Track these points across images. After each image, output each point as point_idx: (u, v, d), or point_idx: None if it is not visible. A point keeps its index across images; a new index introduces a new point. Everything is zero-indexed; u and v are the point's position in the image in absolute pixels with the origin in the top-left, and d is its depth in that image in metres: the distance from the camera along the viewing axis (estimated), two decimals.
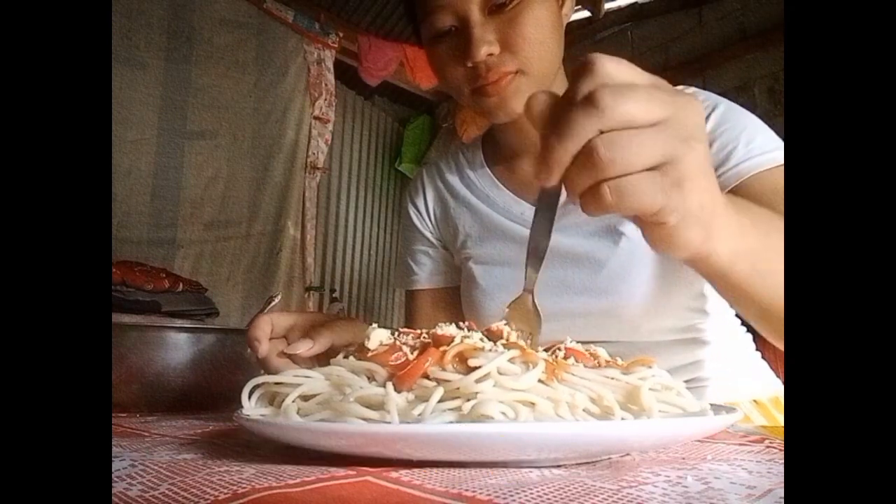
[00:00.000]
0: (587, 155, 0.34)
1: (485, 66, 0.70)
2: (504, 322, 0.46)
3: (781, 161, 0.66)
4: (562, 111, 0.35)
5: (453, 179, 0.92)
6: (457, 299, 0.90)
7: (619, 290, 0.73)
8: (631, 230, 0.72)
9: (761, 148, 0.68)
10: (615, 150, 0.34)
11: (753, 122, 0.71)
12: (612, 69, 0.35)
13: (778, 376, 0.83)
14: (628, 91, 0.34)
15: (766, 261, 0.46)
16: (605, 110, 0.33)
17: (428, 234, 0.94)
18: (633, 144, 0.34)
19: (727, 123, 0.71)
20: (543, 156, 0.36)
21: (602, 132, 0.34)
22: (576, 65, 0.36)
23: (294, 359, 0.58)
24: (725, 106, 0.73)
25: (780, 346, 0.59)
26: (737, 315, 0.84)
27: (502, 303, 0.80)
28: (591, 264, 0.74)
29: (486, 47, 0.68)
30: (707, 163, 0.37)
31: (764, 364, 0.84)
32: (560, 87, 0.79)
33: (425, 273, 0.94)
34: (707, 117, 0.72)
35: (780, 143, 0.68)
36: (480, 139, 0.94)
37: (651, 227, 0.38)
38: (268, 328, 0.59)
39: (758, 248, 0.45)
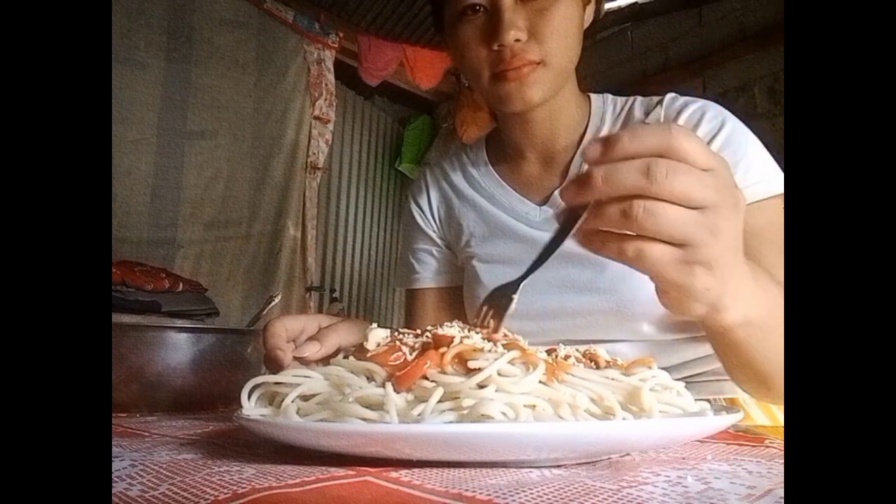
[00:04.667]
0: (626, 209, 0.37)
1: (510, 51, 0.70)
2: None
3: (779, 191, 0.67)
4: (618, 151, 0.37)
5: (457, 178, 0.92)
6: (458, 299, 0.90)
7: (622, 288, 0.73)
8: None
9: (758, 177, 0.69)
10: (650, 218, 0.37)
11: (754, 149, 0.72)
12: (683, 146, 0.37)
13: None
14: (683, 173, 0.36)
15: (769, 330, 0.50)
16: (654, 183, 0.36)
17: (431, 234, 0.94)
18: (667, 220, 0.37)
19: (729, 148, 0.72)
20: (584, 179, 0.37)
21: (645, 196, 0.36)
22: (651, 116, 0.38)
23: (301, 362, 0.58)
24: (731, 127, 0.74)
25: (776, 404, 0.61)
26: None
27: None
28: (593, 263, 0.74)
29: (514, 31, 0.69)
30: (728, 248, 0.39)
31: None
32: (572, 87, 0.80)
33: (428, 272, 0.94)
34: (714, 136, 0.74)
35: (779, 173, 0.69)
36: (483, 139, 0.94)
37: (660, 288, 0.43)
38: (285, 335, 0.60)
39: (762, 320, 0.48)
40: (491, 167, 0.89)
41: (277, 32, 2.91)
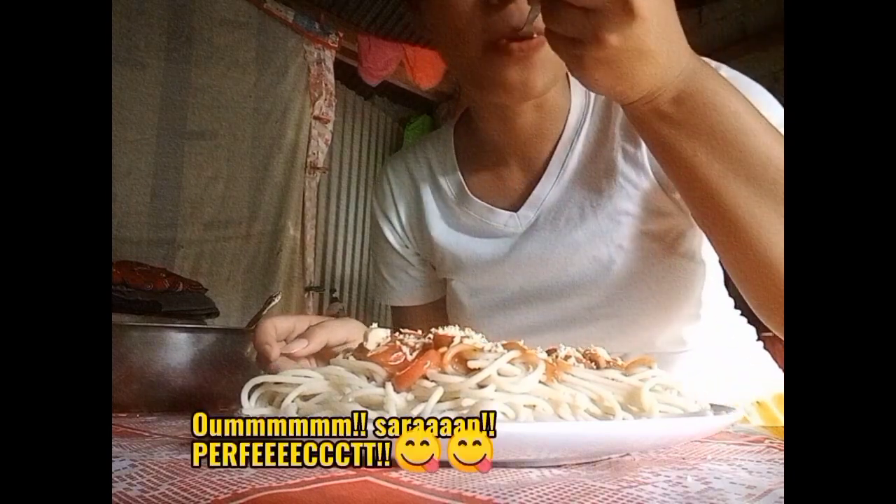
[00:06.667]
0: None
1: (517, 10, 0.54)
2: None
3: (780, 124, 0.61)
4: None
5: (423, 186, 0.80)
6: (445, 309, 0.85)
7: (618, 303, 0.71)
8: (629, 243, 0.69)
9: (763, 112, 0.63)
10: (548, 15, 0.43)
11: (755, 88, 0.66)
12: None
13: (781, 368, 0.82)
14: None
15: (701, 130, 0.48)
16: None
17: (403, 251, 0.84)
18: (558, 19, 0.43)
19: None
20: None
21: None
22: None
23: (291, 358, 0.58)
24: (726, 72, 0.65)
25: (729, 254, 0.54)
26: (736, 306, 0.83)
27: (494, 327, 0.75)
28: (590, 277, 0.71)
29: None
30: (624, 49, 0.42)
31: (767, 360, 0.83)
32: (562, 84, 0.70)
33: (405, 289, 0.85)
34: None
35: (779, 106, 0.62)
36: (451, 133, 0.80)
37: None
38: (274, 332, 0.59)
39: (684, 114, 0.47)
40: (459, 174, 0.76)
41: (277, 32, 2.92)
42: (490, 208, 0.74)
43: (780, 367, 0.82)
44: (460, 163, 0.77)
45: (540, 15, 0.45)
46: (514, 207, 0.73)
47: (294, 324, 0.61)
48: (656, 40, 0.43)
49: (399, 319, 0.88)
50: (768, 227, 0.48)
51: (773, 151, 0.48)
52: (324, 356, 0.60)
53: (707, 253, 0.74)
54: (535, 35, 0.56)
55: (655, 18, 0.42)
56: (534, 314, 0.75)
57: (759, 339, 0.84)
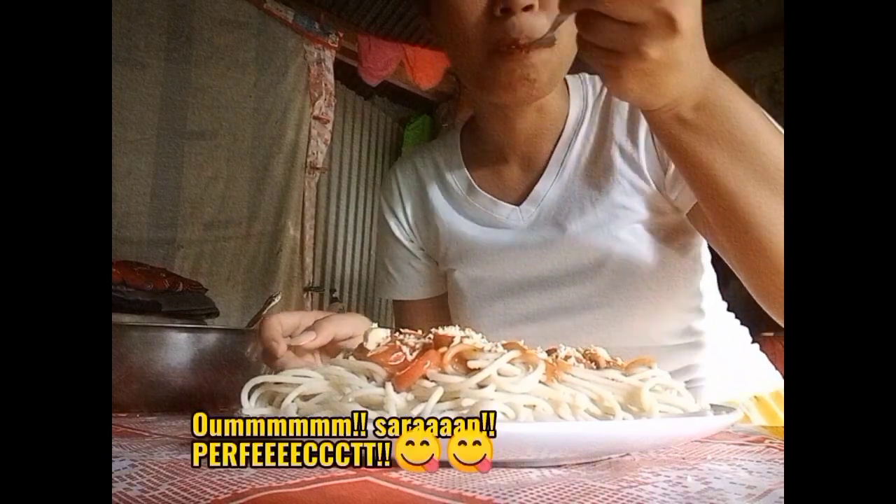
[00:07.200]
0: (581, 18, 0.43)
1: (518, 22, 0.59)
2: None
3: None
4: None
5: (430, 182, 0.84)
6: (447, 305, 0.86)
7: (615, 297, 0.71)
8: (625, 234, 0.70)
9: None
10: (588, 28, 0.43)
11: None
12: None
13: (777, 368, 0.83)
14: None
15: (716, 134, 0.49)
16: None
17: (408, 244, 0.87)
18: (597, 32, 0.43)
19: None
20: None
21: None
22: None
23: (298, 352, 0.58)
24: None
25: (741, 261, 0.55)
26: (729, 309, 0.83)
27: (493, 315, 0.78)
28: (587, 263, 0.72)
29: None
30: (660, 64, 0.43)
31: (764, 360, 0.84)
32: (561, 89, 0.74)
33: (409, 284, 0.88)
34: None
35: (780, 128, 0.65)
36: (458, 134, 0.85)
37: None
38: (279, 328, 0.59)
39: (705, 120, 0.48)
40: (465, 170, 0.81)
41: (277, 32, 2.92)
42: (494, 201, 0.78)
43: (777, 369, 0.83)
44: (466, 162, 0.81)
45: (572, 21, 0.44)
46: (517, 203, 0.76)
47: (299, 319, 0.61)
48: (688, 53, 0.43)
49: (400, 315, 0.91)
50: (782, 226, 0.50)
51: (781, 153, 0.49)
52: (330, 351, 0.60)
53: (704, 252, 0.75)
54: (528, 41, 0.60)
55: (692, 33, 0.42)
56: (532, 303, 0.76)
57: (753, 341, 0.85)
